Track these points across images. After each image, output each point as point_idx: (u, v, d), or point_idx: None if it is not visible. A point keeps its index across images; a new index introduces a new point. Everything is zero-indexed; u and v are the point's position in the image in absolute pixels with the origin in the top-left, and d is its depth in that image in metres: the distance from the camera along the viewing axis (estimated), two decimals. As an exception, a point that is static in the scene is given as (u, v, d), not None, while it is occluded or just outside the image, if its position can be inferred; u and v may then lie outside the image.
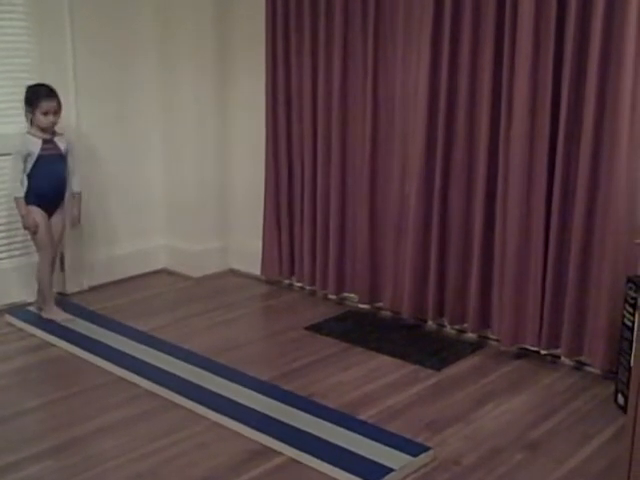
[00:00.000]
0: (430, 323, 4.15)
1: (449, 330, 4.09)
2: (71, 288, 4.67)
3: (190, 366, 3.60)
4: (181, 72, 4.86)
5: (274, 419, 3.09)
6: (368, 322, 4.24)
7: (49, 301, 4.21)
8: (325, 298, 4.61)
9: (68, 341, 3.89)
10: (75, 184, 4.18)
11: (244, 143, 4.99)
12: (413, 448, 2.85)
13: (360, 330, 4.11)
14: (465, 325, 4.00)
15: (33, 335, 4.03)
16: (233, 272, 5.16)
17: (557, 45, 3.42)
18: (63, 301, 4.45)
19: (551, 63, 3.44)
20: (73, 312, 4.28)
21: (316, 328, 4.14)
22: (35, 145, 3.97)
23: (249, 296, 4.74)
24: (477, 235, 3.81)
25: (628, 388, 2.77)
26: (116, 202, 4.85)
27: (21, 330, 4.11)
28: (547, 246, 3.58)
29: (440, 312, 4.06)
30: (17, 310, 4.32)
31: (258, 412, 3.16)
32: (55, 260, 4.27)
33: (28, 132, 4.01)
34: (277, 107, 4.58)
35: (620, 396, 3.22)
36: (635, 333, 3.02)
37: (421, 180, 3.95)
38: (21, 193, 3.99)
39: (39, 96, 3.96)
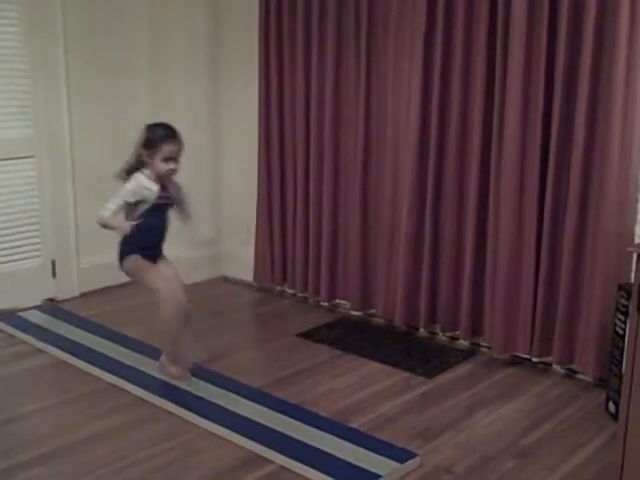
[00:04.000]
0: (422, 330, 4.15)
1: (441, 337, 4.09)
2: (62, 295, 4.65)
3: (181, 373, 3.59)
4: (173, 78, 4.86)
5: (265, 427, 3.08)
6: (360, 329, 4.24)
7: (169, 357, 3.53)
8: (317, 305, 4.60)
9: (59, 348, 3.86)
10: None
11: (237, 151, 4.99)
12: (400, 455, 2.85)
13: (352, 337, 4.11)
14: (457, 333, 4.00)
15: (24, 342, 4.01)
16: (225, 279, 5.15)
17: (549, 56, 3.43)
18: (54, 308, 4.44)
19: (543, 75, 3.44)
20: (64, 319, 4.26)
21: (308, 335, 4.13)
22: (152, 192, 3.31)
23: (241, 303, 4.74)
24: (469, 243, 3.82)
25: (619, 396, 2.78)
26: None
27: (12, 337, 4.09)
28: (539, 254, 3.58)
29: (432, 319, 4.06)
30: (8, 316, 4.29)
31: (249, 420, 3.15)
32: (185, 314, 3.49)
33: (143, 173, 3.32)
34: (270, 115, 4.58)
35: (611, 404, 3.22)
36: (626, 341, 3.02)
37: (413, 189, 3.95)
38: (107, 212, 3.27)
39: (160, 138, 3.28)
